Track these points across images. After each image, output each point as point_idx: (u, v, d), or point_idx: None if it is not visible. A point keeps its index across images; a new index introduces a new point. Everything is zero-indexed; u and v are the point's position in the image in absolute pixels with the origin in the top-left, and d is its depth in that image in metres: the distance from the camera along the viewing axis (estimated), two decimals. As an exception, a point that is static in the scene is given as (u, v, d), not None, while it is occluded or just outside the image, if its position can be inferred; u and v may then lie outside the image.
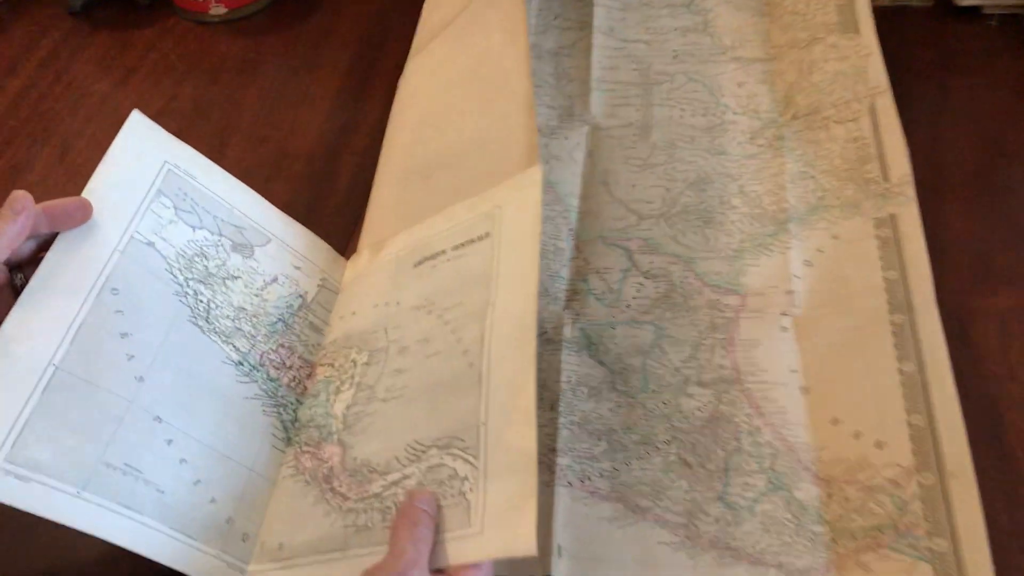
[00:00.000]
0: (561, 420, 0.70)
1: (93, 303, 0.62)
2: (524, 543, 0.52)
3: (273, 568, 0.63)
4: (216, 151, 0.98)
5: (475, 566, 0.54)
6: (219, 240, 0.73)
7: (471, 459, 0.58)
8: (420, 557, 0.53)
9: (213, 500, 0.63)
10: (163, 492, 0.61)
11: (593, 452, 0.69)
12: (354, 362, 0.71)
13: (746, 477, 0.66)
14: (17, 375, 0.58)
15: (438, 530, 0.56)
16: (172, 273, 0.68)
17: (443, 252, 0.73)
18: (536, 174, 0.71)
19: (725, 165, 0.86)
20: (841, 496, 0.64)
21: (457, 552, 0.55)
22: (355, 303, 0.76)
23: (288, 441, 0.69)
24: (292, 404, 0.71)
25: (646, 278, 0.78)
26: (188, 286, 0.69)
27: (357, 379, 0.69)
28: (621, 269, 0.79)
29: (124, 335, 0.63)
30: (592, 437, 0.70)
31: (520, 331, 0.62)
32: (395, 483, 0.61)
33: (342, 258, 0.82)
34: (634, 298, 0.77)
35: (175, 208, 0.71)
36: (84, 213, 0.64)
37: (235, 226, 0.75)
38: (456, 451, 0.59)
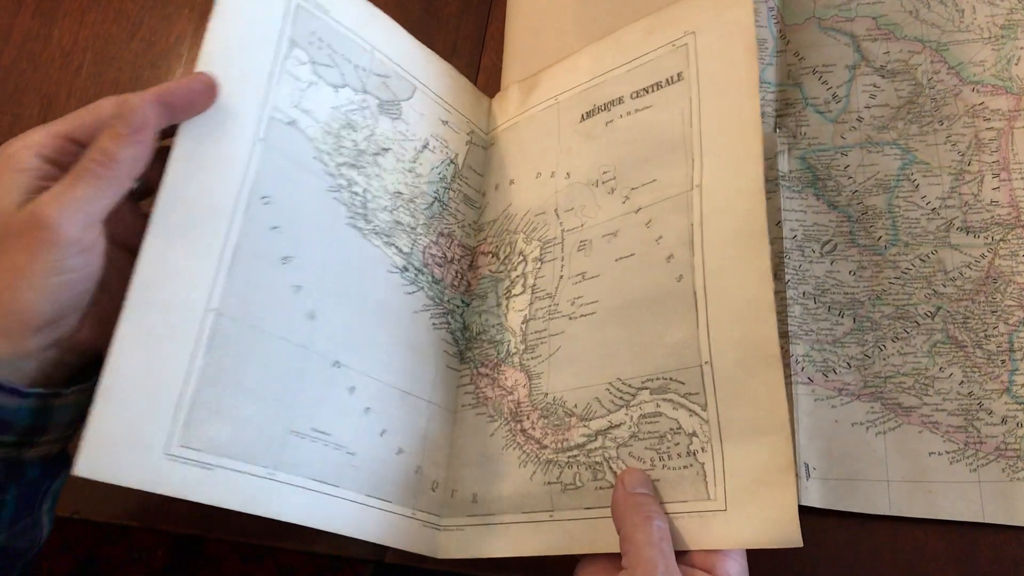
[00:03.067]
0: (789, 293, 0.58)
1: (243, 220, 0.49)
2: (786, 531, 0.44)
3: (471, 523, 0.55)
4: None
5: (725, 553, 0.46)
6: (364, 100, 0.58)
7: (697, 410, 0.48)
8: (670, 560, 0.45)
9: (400, 451, 0.55)
10: (354, 454, 0.52)
11: (835, 334, 0.57)
12: (523, 255, 0.59)
13: (1039, 360, 0.54)
14: (170, 330, 0.45)
15: (664, 499, 0.48)
16: (322, 160, 0.54)
17: (619, 100, 0.58)
18: None
19: None
20: None
21: (699, 532, 0.47)
22: (512, 168, 0.63)
23: (461, 357, 0.59)
24: (459, 308, 0.60)
25: (882, 77, 0.62)
26: (340, 175, 0.55)
27: (531, 281, 0.58)
28: (846, 66, 0.63)
29: (285, 259, 0.51)
30: (832, 313, 0.58)
31: (747, 230, 0.49)
32: (601, 433, 0.52)
33: (485, 98, 0.67)
34: (867, 108, 0.61)
35: (312, 63, 0.55)
36: (209, 94, 0.49)
37: (378, 75, 0.59)
38: (675, 397, 0.50)
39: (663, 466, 0.49)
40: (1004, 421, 0.53)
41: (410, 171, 0.60)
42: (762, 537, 0.45)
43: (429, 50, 0.63)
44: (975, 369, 0.55)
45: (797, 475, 0.54)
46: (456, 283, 0.61)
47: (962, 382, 0.55)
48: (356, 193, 0.56)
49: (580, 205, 0.57)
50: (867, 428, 0.55)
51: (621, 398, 0.51)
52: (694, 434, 0.48)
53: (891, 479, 0.54)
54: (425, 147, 0.61)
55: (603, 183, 0.57)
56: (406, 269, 0.58)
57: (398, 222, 0.58)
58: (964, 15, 0.62)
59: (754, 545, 0.45)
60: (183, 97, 0.47)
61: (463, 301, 0.61)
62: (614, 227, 0.55)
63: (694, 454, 0.48)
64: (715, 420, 0.48)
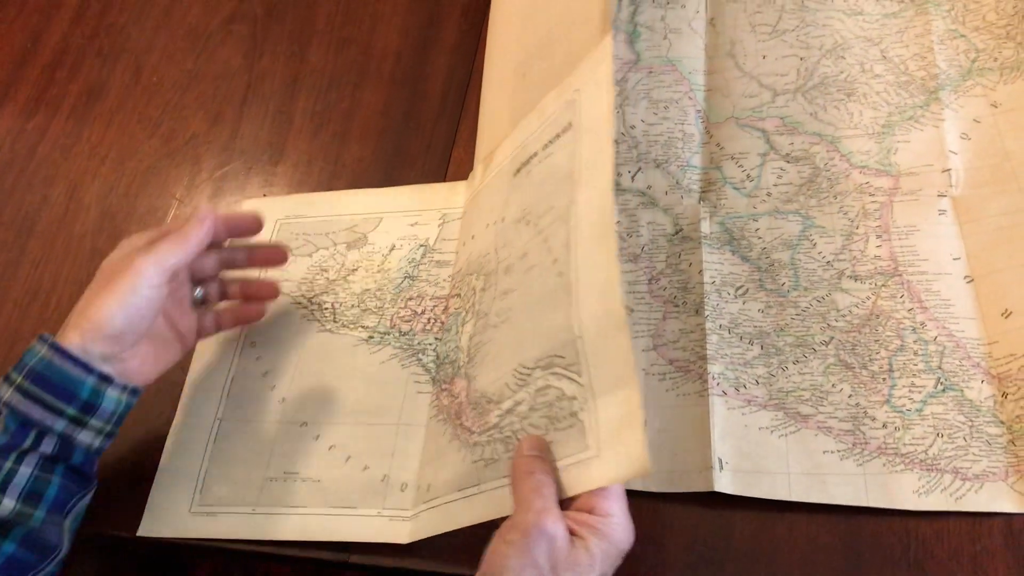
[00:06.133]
0: (708, 325, 0.71)
1: (238, 360, 0.80)
2: (640, 463, 0.53)
3: (424, 509, 0.66)
4: (297, 58, 0.99)
5: (601, 492, 0.56)
6: (334, 248, 0.83)
7: (575, 376, 0.59)
8: (547, 501, 0.55)
9: (366, 467, 0.71)
10: (319, 480, 0.71)
11: (746, 357, 0.70)
12: (474, 289, 0.73)
13: (912, 378, 0.67)
14: (194, 434, 0.77)
15: (556, 457, 0.58)
16: (298, 301, 0.80)
17: (535, 154, 0.72)
18: (606, 46, 0.67)
19: (863, 27, 0.83)
20: (1018, 394, 0.65)
21: (580, 478, 0.56)
22: (474, 226, 0.78)
23: (433, 381, 0.73)
24: (431, 344, 0.76)
25: (787, 162, 0.77)
26: (312, 303, 0.80)
27: (477, 307, 0.71)
28: (759, 153, 0.78)
29: (266, 373, 0.79)
30: (743, 342, 0.71)
31: (600, 227, 0.60)
32: (509, 411, 0.63)
33: (460, 183, 0.85)
34: (775, 185, 0.77)
35: (291, 251, 0.81)
36: (257, 225, 0.74)
37: (347, 229, 0.84)
38: (559, 370, 0.60)
39: (554, 428, 0.59)
40: (885, 426, 0.65)
41: (379, 272, 0.81)
42: (625, 470, 0.53)
43: (396, 188, 0.86)
44: (861, 385, 0.67)
45: (712, 467, 0.65)
46: (428, 327, 0.77)
47: (850, 395, 0.67)
48: (326, 308, 0.80)
49: (511, 239, 0.70)
50: (772, 432, 0.67)
51: (522, 379, 0.62)
52: (574, 397, 0.58)
53: (792, 472, 0.65)
54: (393, 249, 0.82)
55: (523, 219, 0.69)
56: (371, 338, 0.77)
57: (365, 309, 0.79)
58: (853, 116, 0.78)
59: (620, 479, 0.54)
60: (237, 221, 0.74)
61: (436, 339, 0.75)
62: (526, 248, 0.67)
63: (575, 414, 0.57)
64: (588, 383, 0.57)
